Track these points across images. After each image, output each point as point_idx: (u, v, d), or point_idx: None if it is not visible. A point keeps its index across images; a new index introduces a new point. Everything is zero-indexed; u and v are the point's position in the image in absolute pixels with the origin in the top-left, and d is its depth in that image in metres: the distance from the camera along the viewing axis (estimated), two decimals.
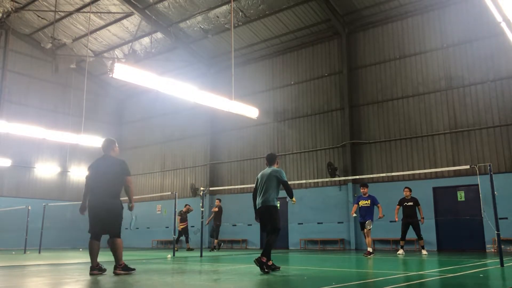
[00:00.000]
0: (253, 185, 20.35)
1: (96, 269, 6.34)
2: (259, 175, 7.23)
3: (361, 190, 11.82)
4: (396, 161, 16.03)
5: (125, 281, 5.42)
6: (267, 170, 7.15)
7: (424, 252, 12.01)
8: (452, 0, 15.61)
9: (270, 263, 6.57)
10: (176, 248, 16.49)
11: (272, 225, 6.76)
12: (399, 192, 15.23)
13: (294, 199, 7.27)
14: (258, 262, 6.41)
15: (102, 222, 6.21)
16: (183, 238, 17.42)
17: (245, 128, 20.20)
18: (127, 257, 8.10)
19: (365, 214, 11.49)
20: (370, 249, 11.10)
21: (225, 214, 20.29)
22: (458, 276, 6.06)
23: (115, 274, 6.17)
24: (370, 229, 11.22)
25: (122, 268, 6.25)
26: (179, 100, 14.53)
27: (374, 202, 11.52)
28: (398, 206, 12.31)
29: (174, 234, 13.38)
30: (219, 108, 11.80)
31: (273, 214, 6.82)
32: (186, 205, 17.84)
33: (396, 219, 12.13)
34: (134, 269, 6.43)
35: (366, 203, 11.53)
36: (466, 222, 14.16)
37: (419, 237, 12.06)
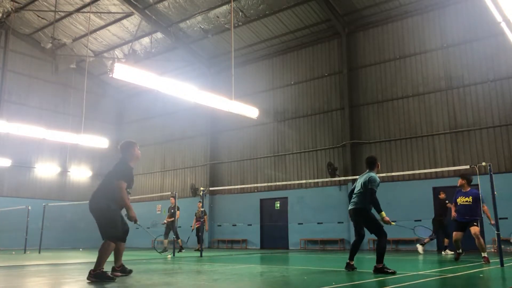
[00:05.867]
0: (253, 185, 20.15)
1: (117, 270, 5.94)
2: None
3: (460, 183, 9.09)
4: (396, 161, 16.03)
5: (125, 281, 5.42)
6: (363, 174, 6.85)
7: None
8: (452, 0, 15.61)
9: (378, 266, 6.30)
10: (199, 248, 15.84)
11: (373, 230, 6.54)
12: (399, 192, 15.25)
13: (384, 215, 6.39)
14: (377, 271, 6.23)
15: (96, 222, 5.78)
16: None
17: (245, 128, 20.20)
18: (127, 257, 8.10)
19: (467, 213, 8.83)
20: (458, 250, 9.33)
21: (225, 214, 20.37)
22: (458, 276, 6.06)
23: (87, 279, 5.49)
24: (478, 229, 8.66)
25: (94, 275, 5.43)
26: (179, 100, 14.52)
27: (477, 198, 8.84)
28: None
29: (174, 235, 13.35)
30: (219, 108, 11.80)
31: (365, 217, 6.59)
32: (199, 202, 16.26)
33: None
34: (112, 279, 5.50)
35: (467, 201, 8.87)
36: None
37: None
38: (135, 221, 5.86)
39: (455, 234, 8.98)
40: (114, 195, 5.72)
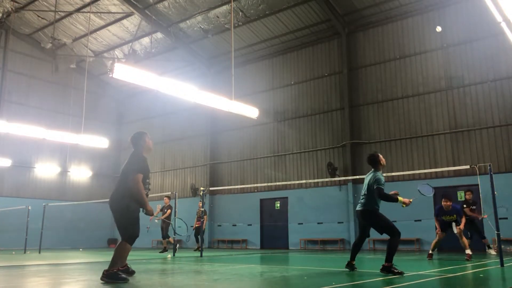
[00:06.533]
0: (253, 185, 20.02)
1: (121, 270, 5.58)
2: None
3: (447, 205, 9.91)
4: (396, 161, 16.03)
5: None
6: (368, 174, 6.66)
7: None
8: (452, 0, 15.61)
9: (386, 264, 6.11)
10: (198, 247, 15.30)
11: (384, 230, 6.30)
12: (399, 192, 15.20)
13: (401, 199, 6.28)
14: (385, 269, 6.07)
15: (116, 223, 5.59)
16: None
17: (245, 128, 20.20)
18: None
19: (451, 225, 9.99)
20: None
21: (225, 214, 20.37)
22: (458, 276, 6.06)
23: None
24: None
25: (107, 275, 5.29)
26: (179, 100, 14.51)
27: (459, 213, 10.00)
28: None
29: (174, 234, 13.36)
30: (219, 108, 11.81)
31: (373, 219, 6.40)
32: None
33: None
34: (125, 279, 5.37)
35: (452, 218, 9.93)
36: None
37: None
38: (152, 215, 5.70)
39: (440, 234, 10.10)
40: (131, 192, 5.45)
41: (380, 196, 6.30)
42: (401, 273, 5.95)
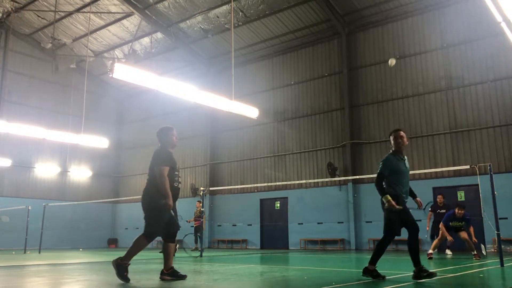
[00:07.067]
0: (253, 185, 19.94)
1: (165, 274, 5.56)
2: None
3: (460, 213, 10.07)
4: None
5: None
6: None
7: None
8: (452, 0, 15.61)
9: (371, 268, 5.45)
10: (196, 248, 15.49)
11: (384, 223, 5.47)
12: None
13: (388, 198, 5.30)
14: (364, 271, 5.47)
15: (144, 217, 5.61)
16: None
17: (245, 128, 20.20)
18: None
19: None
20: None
21: (225, 214, 20.38)
22: (458, 276, 6.06)
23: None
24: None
25: (116, 265, 5.33)
26: (179, 100, 14.52)
27: (468, 221, 10.28)
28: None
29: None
30: (219, 108, 11.81)
31: (383, 208, 5.44)
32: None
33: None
34: (127, 279, 5.33)
35: (459, 224, 10.22)
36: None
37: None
38: (169, 209, 5.59)
39: (443, 237, 10.46)
40: (157, 185, 5.50)
41: (375, 184, 5.50)
42: (382, 278, 5.35)
